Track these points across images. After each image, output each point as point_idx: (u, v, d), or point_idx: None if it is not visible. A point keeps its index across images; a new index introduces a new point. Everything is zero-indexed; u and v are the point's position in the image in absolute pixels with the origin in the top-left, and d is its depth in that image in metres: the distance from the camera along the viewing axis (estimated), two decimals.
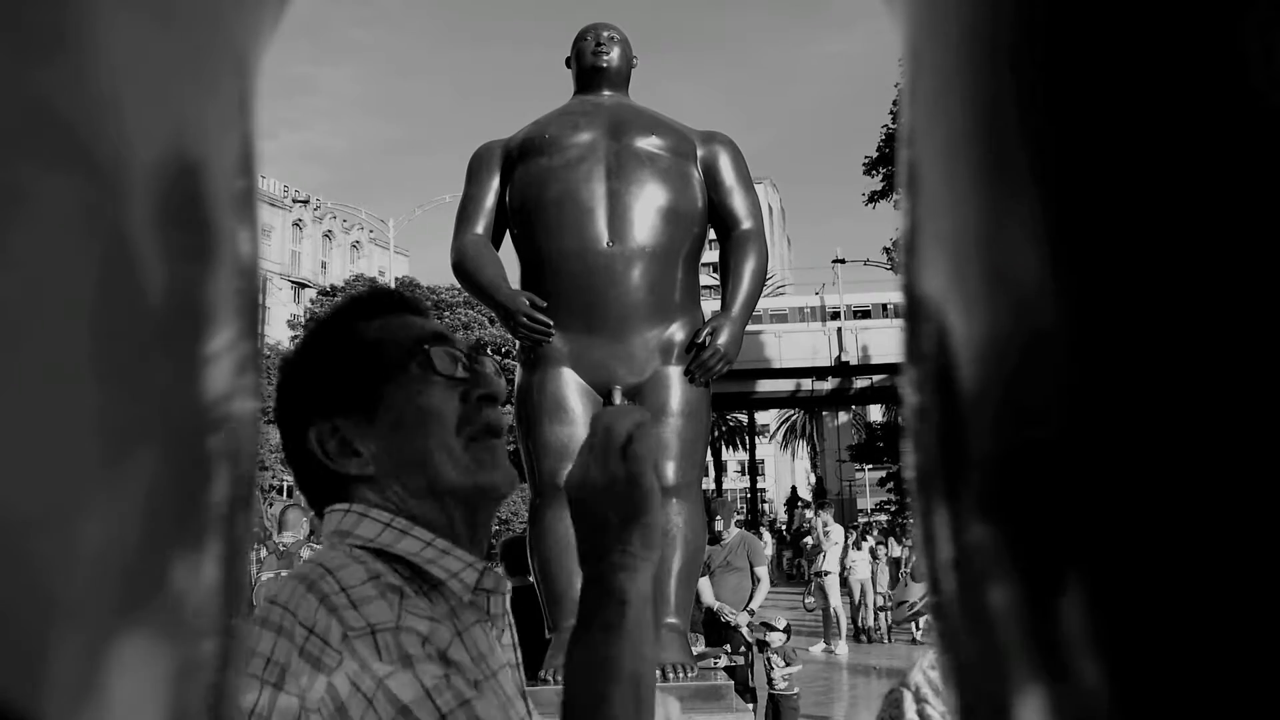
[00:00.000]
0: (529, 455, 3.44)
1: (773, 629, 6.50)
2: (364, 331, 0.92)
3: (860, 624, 12.92)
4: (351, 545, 0.86)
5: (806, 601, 13.67)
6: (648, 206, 3.50)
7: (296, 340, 0.97)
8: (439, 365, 0.90)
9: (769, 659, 6.44)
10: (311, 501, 0.94)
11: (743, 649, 6.27)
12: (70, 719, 0.22)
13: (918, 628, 11.96)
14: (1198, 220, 0.21)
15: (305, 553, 5.95)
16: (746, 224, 3.68)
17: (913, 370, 0.31)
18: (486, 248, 3.66)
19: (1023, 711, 0.25)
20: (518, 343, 3.47)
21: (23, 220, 0.22)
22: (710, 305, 3.72)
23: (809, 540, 13.24)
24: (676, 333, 3.41)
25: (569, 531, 0.84)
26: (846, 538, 13.00)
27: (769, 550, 15.44)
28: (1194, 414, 0.21)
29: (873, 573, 13.02)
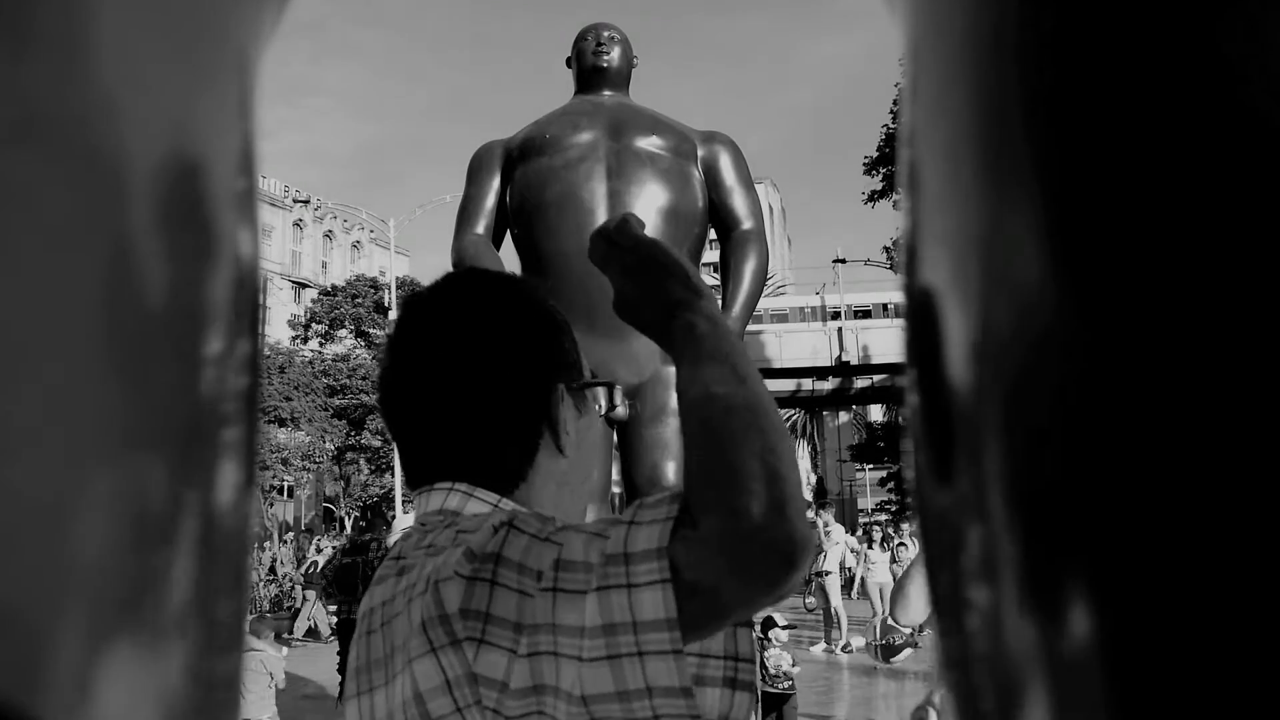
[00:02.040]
0: None
1: (773, 625, 6.49)
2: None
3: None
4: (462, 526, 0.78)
5: (806, 602, 13.64)
6: (648, 206, 3.49)
7: (501, 305, 0.90)
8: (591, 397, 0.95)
9: (764, 657, 6.43)
10: (426, 476, 0.88)
11: None
12: (69, 718, 0.22)
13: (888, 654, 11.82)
14: (1199, 220, 0.21)
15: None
16: (747, 224, 3.67)
17: (913, 370, 0.31)
18: (487, 248, 3.65)
19: (1024, 712, 0.25)
20: None
21: (23, 220, 0.22)
22: None
23: None
24: None
25: None
26: (866, 538, 12.67)
27: None
28: (1195, 413, 0.21)
29: (895, 576, 12.41)
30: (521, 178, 3.50)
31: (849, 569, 14.06)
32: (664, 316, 0.82)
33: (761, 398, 0.72)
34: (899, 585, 2.65)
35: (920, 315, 0.30)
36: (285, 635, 7.12)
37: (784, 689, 6.44)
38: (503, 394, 0.88)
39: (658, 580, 0.63)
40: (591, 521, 0.72)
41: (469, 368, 0.88)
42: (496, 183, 3.59)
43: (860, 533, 13.18)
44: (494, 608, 0.67)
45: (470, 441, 0.88)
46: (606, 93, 3.67)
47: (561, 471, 0.90)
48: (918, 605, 2.56)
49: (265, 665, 6.29)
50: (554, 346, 0.92)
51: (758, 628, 6.51)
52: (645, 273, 0.84)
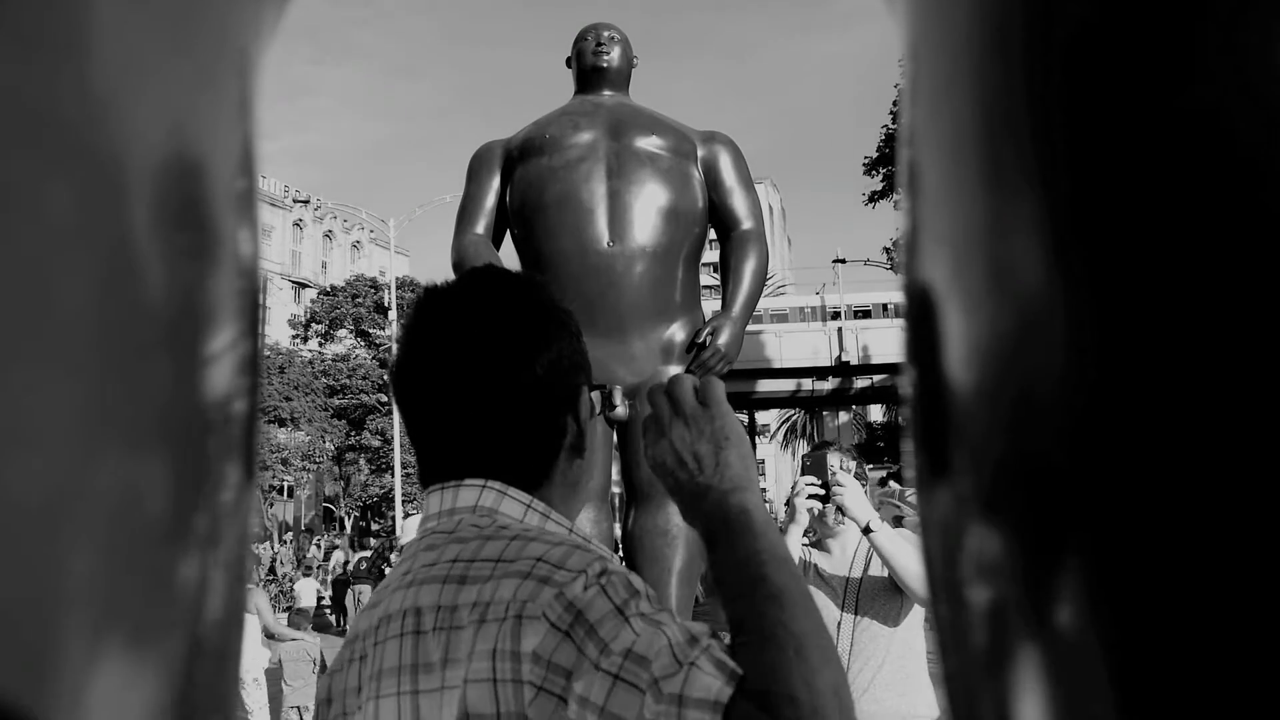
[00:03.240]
0: None
1: None
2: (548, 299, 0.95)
3: None
4: (500, 526, 0.83)
5: None
6: (648, 206, 3.49)
7: (528, 317, 0.91)
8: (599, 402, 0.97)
9: None
10: (450, 471, 0.88)
11: None
12: (69, 718, 0.22)
13: None
14: (1197, 220, 0.21)
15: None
16: (747, 224, 3.67)
17: (914, 370, 0.31)
18: (487, 248, 3.65)
19: (1021, 707, 0.25)
20: None
21: (24, 220, 0.21)
22: (710, 305, 3.72)
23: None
24: (677, 333, 3.40)
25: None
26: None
27: None
28: (1195, 412, 0.21)
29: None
30: (521, 178, 3.50)
31: None
32: (702, 498, 0.80)
33: (803, 587, 0.73)
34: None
35: (920, 315, 0.30)
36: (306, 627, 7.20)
37: None
38: (536, 392, 0.88)
39: None
40: (667, 615, 0.73)
41: (503, 365, 0.88)
42: (496, 183, 3.58)
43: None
44: (557, 657, 0.70)
45: (503, 439, 0.88)
46: (606, 93, 3.66)
47: (575, 471, 0.92)
48: None
49: (309, 653, 6.36)
50: (579, 347, 0.94)
51: None
52: (703, 437, 0.83)
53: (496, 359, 0.88)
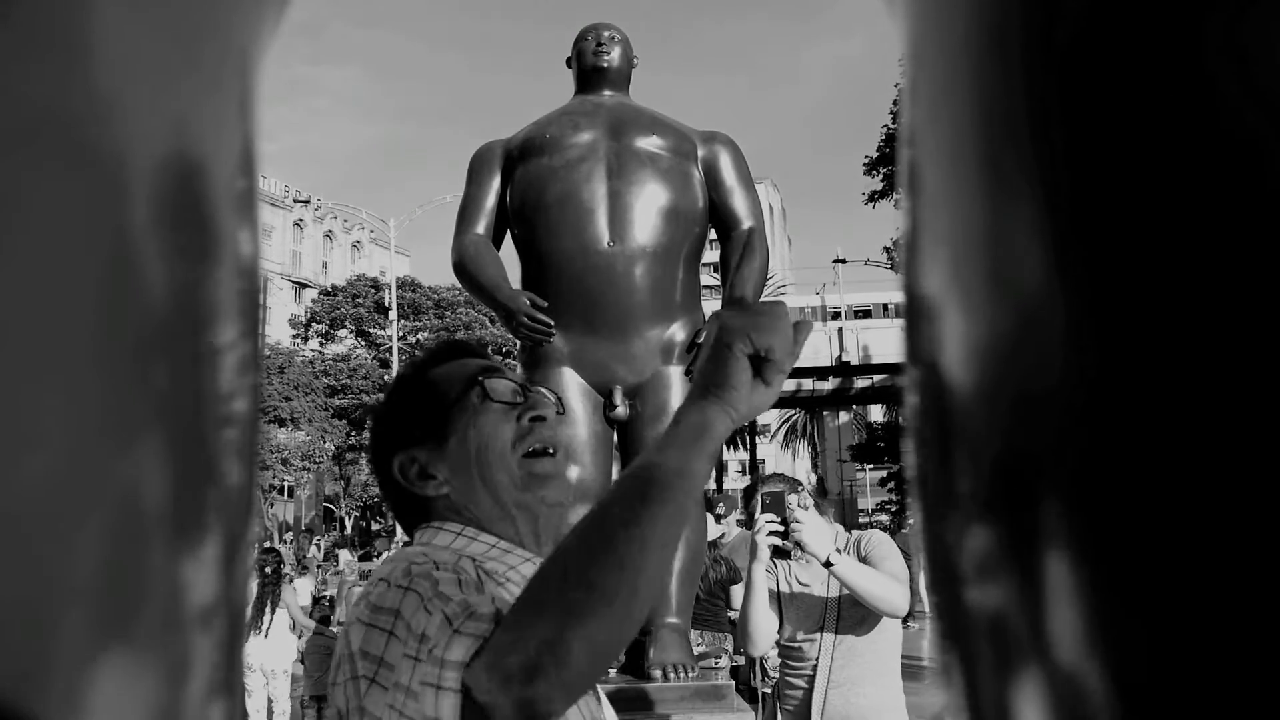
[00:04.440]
0: None
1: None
2: (433, 374, 1.09)
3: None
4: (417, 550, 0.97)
5: None
6: (648, 206, 3.49)
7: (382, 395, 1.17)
8: (493, 392, 1.05)
9: (763, 658, 6.42)
10: (406, 527, 1.08)
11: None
12: (68, 717, 0.22)
13: None
14: (1201, 222, 0.21)
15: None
16: (747, 224, 3.67)
17: (913, 370, 0.31)
18: (487, 248, 3.65)
19: (1022, 708, 0.25)
20: (519, 343, 3.46)
21: (24, 220, 0.22)
22: (711, 305, 3.72)
23: None
24: (677, 333, 3.40)
25: None
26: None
27: None
28: (1196, 414, 0.21)
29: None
30: (522, 178, 3.50)
31: None
32: (710, 387, 0.87)
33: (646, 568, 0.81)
34: (741, 619, 2.63)
35: (920, 315, 0.30)
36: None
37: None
38: (376, 468, 1.13)
39: (452, 690, 0.79)
40: (435, 578, 0.88)
41: (369, 447, 1.16)
42: (496, 183, 3.59)
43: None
44: (371, 648, 0.87)
45: (393, 503, 1.13)
46: (607, 93, 3.66)
47: (487, 471, 1.06)
48: (763, 637, 2.59)
49: (328, 646, 6.47)
50: (403, 417, 1.11)
51: None
52: (755, 332, 0.89)
53: (375, 438, 1.11)
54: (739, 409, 0.88)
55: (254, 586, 6.47)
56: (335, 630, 6.83)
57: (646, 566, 0.81)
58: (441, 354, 1.13)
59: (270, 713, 6.60)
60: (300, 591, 11.68)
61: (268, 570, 6.62)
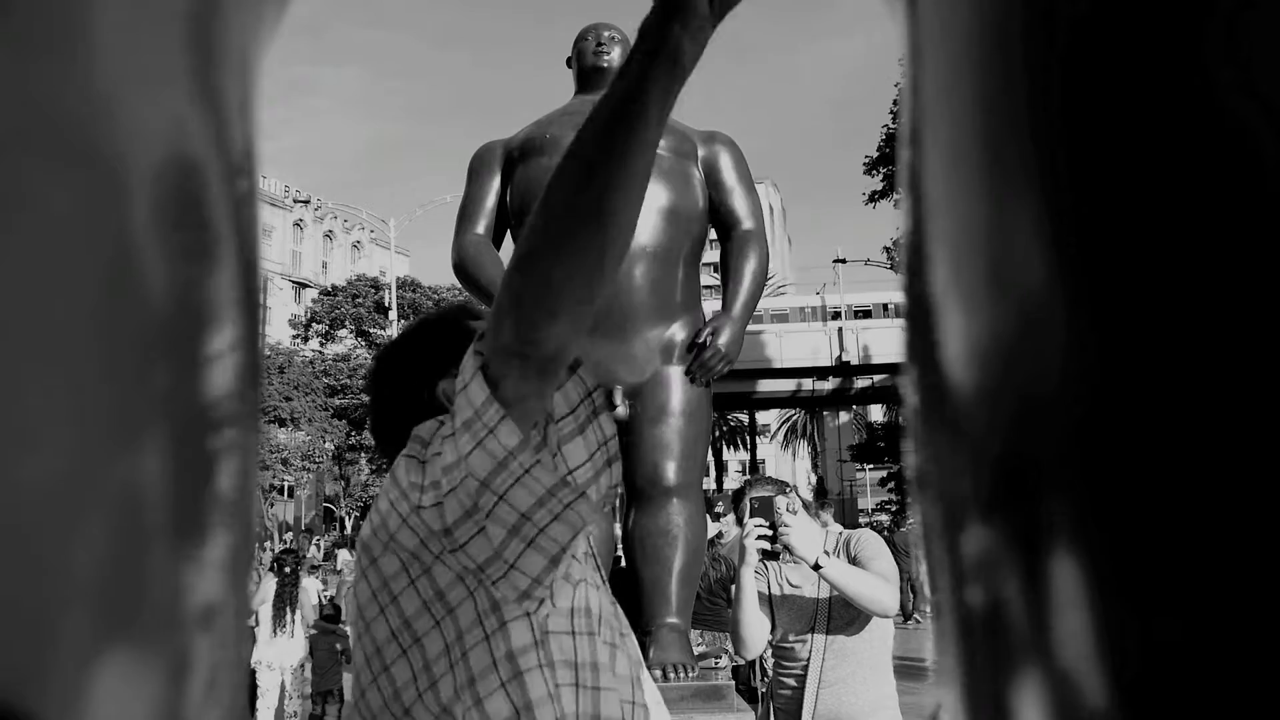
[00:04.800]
0: None
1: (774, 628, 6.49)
2: (464, 316, 1.20)
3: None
4: None
5: None
6: (648, 207, 3.49)
7: (405, 329, 1.23)
8: None
9: (763, 657, 6.42)
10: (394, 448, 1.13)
11: None
12: (68, 716, 0.22)
13: None
14: (1200, 220, 0.21)
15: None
16: (747, 224, 3.67)
17: (914, 370, 0.31)
18: (487, 248, 3.65)
19: (1024, 710, 0.25)
20: None
21: (25, 220, 0.22)
22: (711, 305, 3.72)
23: None
24: (677, 333, 3.40)
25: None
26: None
27: None
28: (1195, 412, 0.21)
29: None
30: (522, 178, 3.50)
31: None
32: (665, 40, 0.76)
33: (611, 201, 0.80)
34: (733, 623, 2.63)
35: (920, 315, 0.30)
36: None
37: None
38: (408, 388, 1.17)
39: (494, 411, 0.86)
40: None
41: (397, 368, 1.22)
42: (497, 183, 3.59)
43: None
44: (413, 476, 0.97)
45: (405, 423, 1.16)
46: None
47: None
48: (755, 640, 2.59)
49: (336, 645, 6.54)
50: (451, 348, 1.13)
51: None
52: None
53: (414, 361, 1.17)
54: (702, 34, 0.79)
55: (274, 586, 6.51)
56: (343, 629, 6.86)
57: (600, 175, 0.77)
58: (468, 313, 1.21)
59: (281, 712, 6.63)
60: (309, 591, 11.74)
61: (287, 570, 6.64)
